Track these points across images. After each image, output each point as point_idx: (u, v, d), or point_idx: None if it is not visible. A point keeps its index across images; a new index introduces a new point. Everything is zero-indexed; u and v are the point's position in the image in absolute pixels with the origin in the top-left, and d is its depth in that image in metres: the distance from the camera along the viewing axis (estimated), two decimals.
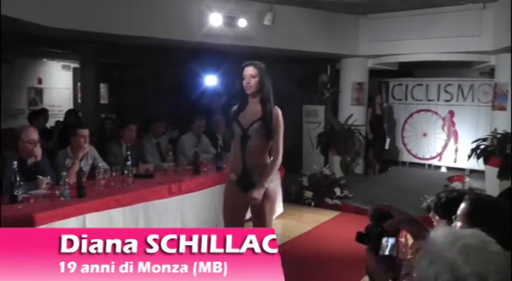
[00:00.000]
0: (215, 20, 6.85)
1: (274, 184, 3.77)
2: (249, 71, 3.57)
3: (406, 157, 9.93)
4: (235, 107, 3.71)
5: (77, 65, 11.91)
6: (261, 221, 3.69)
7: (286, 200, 6.79)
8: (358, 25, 8.57)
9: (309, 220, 6.48)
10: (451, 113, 9.31)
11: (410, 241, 1.59)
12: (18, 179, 3.74)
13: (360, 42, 8.64)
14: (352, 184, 7.57)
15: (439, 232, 1.10)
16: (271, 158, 3.67)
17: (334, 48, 8.45)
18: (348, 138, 8.67)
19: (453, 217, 2.29)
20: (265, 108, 3.57)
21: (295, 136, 9.76)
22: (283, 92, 11.06)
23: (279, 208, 6.42)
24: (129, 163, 4.52)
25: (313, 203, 7.21)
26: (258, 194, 3.52)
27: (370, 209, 1.60)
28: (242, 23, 7.07)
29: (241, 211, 3.75)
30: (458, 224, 2.08)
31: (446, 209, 2.63)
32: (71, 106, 11.82)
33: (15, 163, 3.80)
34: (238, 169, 3.64)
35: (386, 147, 9.28)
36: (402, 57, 8.39)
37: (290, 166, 6.71)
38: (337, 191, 7.22)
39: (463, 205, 2.14)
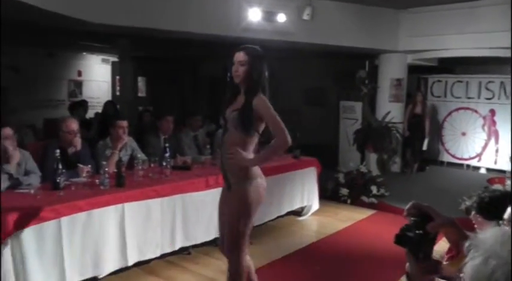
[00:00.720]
0: (254, 14, 6.82)
1: (255, 185, 3.13)
2: (239, 57, 3.09)
3: (444, 157, 9.73)
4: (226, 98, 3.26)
5: (115, 59, 12.16)
6: (228, 223, 3.17)
7: (322, 196, 6.73)
8: (398, 19, 8.39)
9: (345, 218, 6.40)
10: (492, 112, 9.04)
11: (446, 244, 1.58)
12: (60, 166, 3.82)
13: (400, 37, 8.46)
14: (389, 183, 7.43)
15: (489, 232, 1.13)
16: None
17: (373, 43, 8.32)
18: (385, 135, 8.52)
19: (500, 222, 2.21)
20: (245, 97, 3.07)
21: (332, 132, 9.69)
22: (321, 88, 11.12)
23: (315, 204, 6.39)
24: (167, 154, 4.56)
25: (349, 201, 7.12)
26: (239, 159, 3.05)
27: (408, 208, 1.57)
28: (281, 17, 7.02)
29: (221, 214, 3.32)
30: (506, 228, 2.00)
31: (489, 209, 2.54)
32: (109, 98, 12.07)
33: (58, 151, 3.89)
34: (222, 167, 3.22)
35: (424, 147, 9.07)
36: (442, 52, 8.16)
37: (326, 162, 6.67)
38: (374, 189, 7.10)
39: (510, 210, 2.08)
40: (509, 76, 8.68)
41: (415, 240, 1.45)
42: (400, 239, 1.50)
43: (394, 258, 4.74)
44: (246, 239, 3.18)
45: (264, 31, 7.01)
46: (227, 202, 3.18)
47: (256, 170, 3.16)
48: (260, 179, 3.17)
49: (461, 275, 1.35)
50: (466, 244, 1.25)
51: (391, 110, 8.69)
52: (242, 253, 3.15)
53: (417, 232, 1.45)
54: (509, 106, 8.70)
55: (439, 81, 9.78)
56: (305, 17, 7.19)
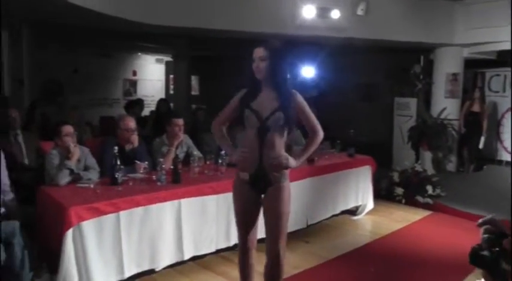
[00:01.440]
0: (308, 11, 6.80)
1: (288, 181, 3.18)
2: (258, 52, 3.06)
3: (502, 155, 9.34)
4: (243, 92, 3.21)
5: (169, 58, 12.42)
6: (273, 225, 3.17)
7: (376, 196, 6.60)
8: (454, 12, 8.11)
9: (400, 218, 6.25)
10: None
11: None
12: (118, 162, 3.94)
13: (456, 30, 8.19)
14: (445, 182, 7.18)
15: None
16: (309, 136, 3.20)
17: (428, 37, 8.09)
18: (441, 133, 8.29)
19: None
20: (282, 95, 3.03)
21: (386, 130, 9.50)
22: (375, 84, 10.94)
23: (370, 204, 6.30)
24: (222, 152, 4.59)
25: (403, 201, 6.94)
26: (285, 161, 3.06)
27: (483, 222, 1.56)
28: (335, 14, 6.96)
29: (254, 214, 3.25)
30: None
31: None
32: (162, 97, 12.33)
33: (116, 148, 4.00)
34: (252, 167, 3.10)
35: (481, 146, 8.72)
36: (501, 45, 7.76)
37: (380, 160, 6.54)
38: (429, 189, 6.89)
39: None
40: None
41: (492, 259, 1.38)
42: (474, 259, 1.42)
43: (452, 262, 4.68)
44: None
45: (318, 28, 6.98)
46: (269, 199, 3.16)
47: None
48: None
49: None
50: None
51: (446, 106, 8.45)
52: (284, 250, 3.21)
53: (493, 249, 1.36)
54: None
55: (497, 75, 9.39)
56: (359, 12, 7.11)
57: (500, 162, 9.35)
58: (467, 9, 7.99)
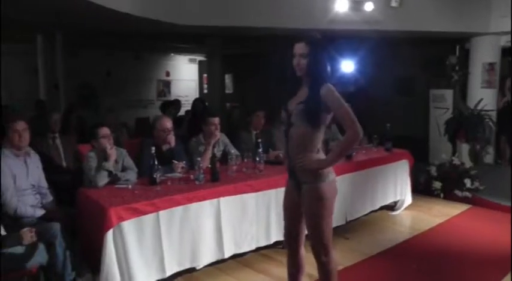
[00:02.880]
0: (341, 5, 6.73)
1: (328, 182, 2.95)
2: (300, 49, 2.91)
3: None
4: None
5: (202, 58, 12.52)
6: (309, 225, 3.05)
7: (414, 190, 6.51)
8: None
9: (439, 213, 6.15)
10: None
11: None
12: (156, 163, 3.96)
13: (492, 18, 7.91)
14: (483, 175, 7.01)
15: None
16: (345, 134, 2.91)
17: (464, 27, 7.87)
18: (478, 124, 8.08)
19: None
20: (310, 88, 2.89)
21: (422, 123, 9.34)
22: (410, 77, 10.76)
23: (408, 198, 6.21)
24: (260, 149, 4.58)
25: (442, 195, 6.83)
26: (309, 163, 2.91)
27: None
28: (369, 6, 6.86)
29: (293, 212, 3.14)
30: None
31: None
32: (196, 96, 12.44)
33: (153, 148, 4.03)
34: (287, 164, 3.11)
35: None
36: None
37: (417, 154, 6.44)
38: (467, 182, 6.74)
39: None
40: None
41: None
42: None
43: (494, 257, 4.58)
44: (331, 237, 3.02)
45: (351, 21, 6.91)
46: (302, 202, 3.00)
47: None
48: (331, 175, 2.98)
49: None
50: None
51: (483, 97, 8.20)
52: (330, 253, 3.02)
53: None
54: None
55: None
56: (393, 3, 6.99)
57: None
58: None
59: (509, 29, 7.77)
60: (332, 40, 8.25)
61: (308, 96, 2.89)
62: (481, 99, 8.15)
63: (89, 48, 10.66)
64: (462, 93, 8.67)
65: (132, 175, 4.17)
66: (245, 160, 4.74)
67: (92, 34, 8.46)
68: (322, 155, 3.01)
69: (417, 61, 10.00)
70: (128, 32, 7.71)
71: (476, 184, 6.79)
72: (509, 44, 8.25)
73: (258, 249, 4.39)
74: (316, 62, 2.89)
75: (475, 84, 8.52)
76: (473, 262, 4.51)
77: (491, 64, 8.33)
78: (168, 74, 13.08)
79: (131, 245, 3.39)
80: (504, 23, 7.76)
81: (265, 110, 5.89)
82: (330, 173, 2.98)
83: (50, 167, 4.50)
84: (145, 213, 3.47)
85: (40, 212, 3.85)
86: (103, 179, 3.92)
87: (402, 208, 6.17)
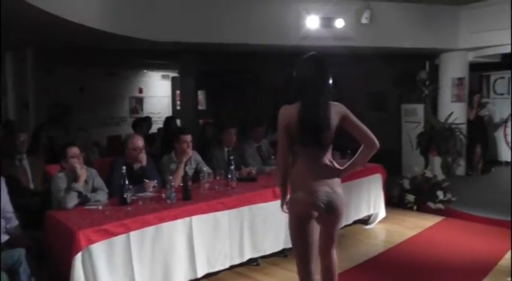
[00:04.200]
0: (312, 22, 6.83)
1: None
2: None
3: (509, 156, 9.30)
4: None
5: (175, 74, 12.47)
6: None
7: (388, 203, 6.56)
8: (458, 16, 8.10)
9: (412, 225, 6.19)
10: None
11: None
12: (126, 182, 3.91)
13: (460, 34, 8.17)
14: (455, 187, 7.14)
15: None
16: None
17: (434, 43, 8.09)
18: (449, 137, 8.25)
19: None
20: None
21: (395, 137, 9.46)
22: (381, 92, 10.91)
23: (381, 212, 6.25)
24: (232, 166, 4.57)
25: (415, 207, 6.90)
26: None
27: None
28: (339, 23, 6.99)
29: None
30: None
31: None
32: (169, 113, 12.37)
33: (124, 167, 3.98)
34: None
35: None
36: (505, 48, 7.71)
37: (390, 167, 6.50)
38: (440, 194, 6.83)
39: None
40: None
41: None
42: None
43: (467, 267, 4.65)
44: (298, 255, 3.10)
45: (323, 38, 7.03)
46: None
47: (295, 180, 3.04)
48: (293, 194, 3.03)
49: None
50: None
51: (453, 110, 8.42)
52: (300, 271, 3.10)
53: None
54: None
55: (501, 78, 9.43)
56: (364, 20, 7.13)
57: (507, 163, 9.34)
58: (471, 13, 7.97)
59: (478, 46, 8.01)
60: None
61: None
62: (452, 113, 8.34)
63: (63, 65, 10.51)
64: (433, 107, 8.86)
65: (102, 196, 4.10)
66: (217, 178, 4.71)
67: (65, 50, 8.35)
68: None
69: (389, 76, 10.16)
70: (101, 48, 7.63)
71: (449, 195, 6.88)
72: (478, 59, 8.47)
73: (231, 267, 4.35)
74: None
75: (445, 98, 8.73)
76: (447, 273, 4.56)
77: (460, 79, 8.55)
78: (140, 90, 12.98)
79: (101, 268, 3.30)
80: (472, 40, 8.02)
81: (237, 127, 5.89)
82: (293, 192, 3.02)
83: (16, 190, 4.35)
84: (115, 234, 3.40)
85: (4, 238, 3.72)
86: (72, 201, 3.84)
87: (376, 222, 6.19)
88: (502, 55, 8.48)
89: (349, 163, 3.15)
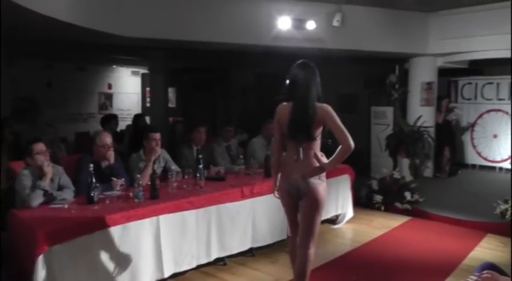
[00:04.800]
0: (284, 23, 6.83)
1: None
2: None
3: (475, 160, 9.54)
4: None
5: (145, 71, 12.31)
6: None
7: (356, 204, 6.65)
8: (428, 22, 8.24)
9: (380, 225, 6.28)
10: None
11: None
12: (94, 180, 3.85)
13: (430, 40, 8.31)
14: (422, 188, 7.28)
15: None
16: None
17: (403, 48, 8.20)
18: (417, 140, 8.39)
19: None
20: None
21: (364, 138, 9.57)
22: (352, 94, 11.01)
23: (349, 212, 6.32)
24: (201, 165, 4.55)
25: (383, 208, 7.00)
26: None
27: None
28: (311, 25, 7.00)
29: None
30: None
31: None
32: (139, 110, 12.22)
33: (91, 165, 3.91)
34: None
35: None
36: (472, 54, 7.98)
37: (359, 168, 6.57)
38: (408, 195, 6.95)
39: None
40: None
41: None
42: None
43: (431, 266, 4.78)
44: None
45: (294, 39, 7.04)
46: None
47: None
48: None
49: None
50: None
51: (422, 114, 8.57)
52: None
53: None
54: None
55: (469, 83, 9.63)
56: (335, 23, 7.17)
57: (473, 166, 9.56)
58: (441, 20, 8.12)
59: (447, 52, 8.17)
60: (277, 57, 8.41)
61: None
62: (420, 116, 8.49)
63: (28, 58, 10.24)
64: (402, 110, 8.99)
65: (68, 194, 4.02)
66: (186, 177, 4.69)
67: (30, 43, 8.13)
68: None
69: (360, 79, 10.28)
70: (69, 41, 7.47)
71: (416, 196, 7.01)
72: (446, 64, 8.65)
73: (198, 267, 4.33)
74: None
75: (414, 102, 8.87)
76: (412, 271, 4.65)
77: (429, 83, 8.71)
78: (110, 86, 12.76)
79: (65, 269, 3.23)
80: (441, 46, 8.20)
81: (207, 126, 5.87)
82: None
83: None
84: (81, 234, 3.33)
85: None
86: (37, 199, 3.75)
87: (344, 222, 6.26)
88: (469, 61, 8.68)
89: (330, 159, 3.40)
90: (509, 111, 9.00)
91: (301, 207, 3.47)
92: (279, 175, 3.57)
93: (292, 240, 3.69)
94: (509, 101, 8.99)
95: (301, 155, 3.40)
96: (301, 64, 3.50)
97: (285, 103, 3.50)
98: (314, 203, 3.42)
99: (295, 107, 3.38)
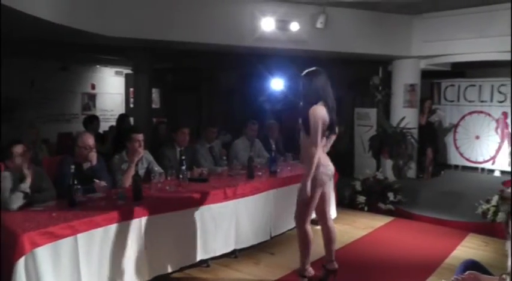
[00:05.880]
0: (267, 24, 6.84)
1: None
2: None
3: (458, 160, 9.62)
4: None
5: (129, 71, 12.19)
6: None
7: (339, 204, 6.70)
8: (411, 25, 8.33)
9: (363, 226, 6.34)
10: (505, 115, 8.92)
11: None
12: (75, 182, 3.79)
13: (413, 42, 8.40)
14: (405, 189, 7.36)
15: None
16: None
17: (387, 50, 8.26)
18: (400, 141, 8.46)
19: None
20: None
21: (347, 140, 9.63)
22: (336, 95, 11.02)
23: (333, 212, 6.32)
24: (183, 167, 4.54)
25: (366, 208, 7.07)
26: None
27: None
28: (294, 26, 7.02)
29: None
30: None
31: None
32: (123, 111, 12.10)
33: (73, 167, 3.86)
34: None
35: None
36: (456, 57, 8.05)
37: (342, 169, 6.60)
38: (391, 196, 7.04)
39: None
40: None
41: None
42: None
43: (414, 265, 4.83)
44: None
45: (277, 40, 7.05)
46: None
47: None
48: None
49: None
50: None
51: (405, 115, 8.64)
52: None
53: None
54: None
55: (452, 85, 9.71)
56: (318, 25, 7.19)
57: (456, 167, 9.64)
58: (424, 23, 8.21)
59: (430, 54, 8.26)
60: (263, 58, 8.43)
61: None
62: (403, 118, 8.56)
63: (11, 56, 10.08)
64: (385, 112, 9.06)
65: (49, 196, 3.97)
66: (169, 178, 4.67)
67: (13, 42, 8.02)
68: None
69: (342, 81, 10.32)
70: (53, 41, 7.38)
71: (399, 197, 7.10)
72: (429, 67, 8.73)
73: (181, 269, 4.32)
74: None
75: (397, 103, 8.94)
76: (395, 271, 4.70)
77: (412, 85, 8.78)
78: (93, 86, 12.58)
79: (46, 273, 3.17)
80: (424, 48, 8.29)
81: (191, 126, 5.86)
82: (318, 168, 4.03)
83: None
84: (62, 237, 3.28)
85: None
86: (17, 202, 3.68)
87: None
88: (452, 64, 8.78)
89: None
90: (491, 113, 9.11)
91: (329, 188, 4.31)
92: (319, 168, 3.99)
93: (309, 221, 4.28)
94: (491, 103, 9.09)
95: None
96: (318, 71, 4.07)
97: (319, 106, 3.94)
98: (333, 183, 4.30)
99: (330, 108, 3.99)
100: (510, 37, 6.59)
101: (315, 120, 3.86)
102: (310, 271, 4.29)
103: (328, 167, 4.09)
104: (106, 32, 6.27)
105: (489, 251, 5.31)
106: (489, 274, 2.68)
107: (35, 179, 3.94)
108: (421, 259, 5.02)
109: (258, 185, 5.06)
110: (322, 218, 4.38)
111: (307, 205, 4.11)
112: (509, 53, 7.23)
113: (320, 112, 3.90)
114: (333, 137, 4.24)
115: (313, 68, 4.08)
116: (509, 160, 8.73)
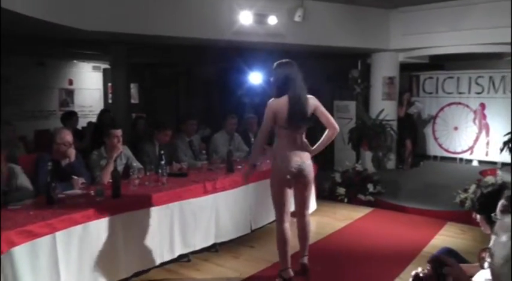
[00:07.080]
0: (245, 17, 6.81)
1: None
2: None
3: (437, 151, 9.76)
4: None
5: (107, 66, 12.04)
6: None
7: (319, 197, 6.76)
8: (389, 19, 8.40)
9: (343, 217, 6.40)
10: (482, 106, 9.09)
11: None
12: (53, 180, 3.75)
13: (391, 36, 8.47)
14: (385, 180, 7.47)
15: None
16: None
17: (365, 43, 8.32)
18: (380, 133, 8.55)
19: (492, 215, 2.25)
20: None
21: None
22: (314, 89, 11.06)
23: (313, 204, 6.36)
24: (162, 162, 4.52)
25: (346, 200, 7.15)
26: None
27: (432, 257, 1.99)
28: (272, 20, 7.01)
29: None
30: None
31: (483, 205, 2.54)
32: (101, 106, 11.98)
33: (50, 164, 3.82)
34: None
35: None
36: (434, 50, 8.16)
37: (322, 162, 6.65)
38: (370, 187, 7.12)
39: (501, 202, 2.22)
40: (497, 71, 8.81)
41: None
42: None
43: (394, 254, 4.91)
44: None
45: (255, 34, 7.04)
46: None
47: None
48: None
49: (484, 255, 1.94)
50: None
51: (384, 108, 8.73)
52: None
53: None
54: (499, 99, 8.79)
55: (430, 78, 9.83)
56: (296, 18, 7.19)
57: (435, 158, 9.77)
58: (402, 16, 8.28)
59: (408, 47, 8.34)
60: (242, 52, 8.40)
61: None
62: (382, 110, 8.65)
63: None
64: (364, 104, 9.13)
65: (27, 194, 3.91)
66: (148, 173, 4.66)
67: None
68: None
69: (322, 74, 10.37)
70: (28, 35, 7.25)
71: (379, 187, 7.20)
72: (408, 60, 8.82)
73: (162, 264, 4.32)
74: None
75: (376, 96, 9.02)
76: (375, 260, 4.77)
77: (390, 78, 8.86)
78: (71, 82, 12.36)
79: (23, 273, 3.12)
80: (402, 41, 8.38)
81: (170, 121, 5.84)
82: (275, 162, 4.09)
83: None
84: (40, 235, 3.24)
85: None
86: None
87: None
88: (430, 56, 8.88)
89: (317, 143, 4.14)
90: (469, 104, 9.24)
91: (299, 184, 4.12)
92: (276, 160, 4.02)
93: (285, 219, 4.14)
94: (469, 94, 9.23)
95: (298, 142, 4.01)
96: (287, 63, 4.00)
97: (276, 99, 3.93)
98: (311, 181, 4.17)
99: (292, 101, 3.87)
100: (510, 30, 6.65)
101: (266, 112, 3.93)
102: (289, 272, 4.15)
103: (289, 163, 3.97)
104: (82, 26, 6.18)
105: (466, 238, 5.42)
106: (464, 261, 2.75)
107: (12, 177, 3.89)
108: (400, 248, 5.11)
109: (238, 179, 5.06)
110: (296, 214, 4.36)
111: (274, 204, 4.14)
112: (483, 46, 7.40)
113: (273, 104, 3.93)
114: (302, 131, 4.05)
115: (279, 61, 4.05)
116: (486, 150, 8.90)
